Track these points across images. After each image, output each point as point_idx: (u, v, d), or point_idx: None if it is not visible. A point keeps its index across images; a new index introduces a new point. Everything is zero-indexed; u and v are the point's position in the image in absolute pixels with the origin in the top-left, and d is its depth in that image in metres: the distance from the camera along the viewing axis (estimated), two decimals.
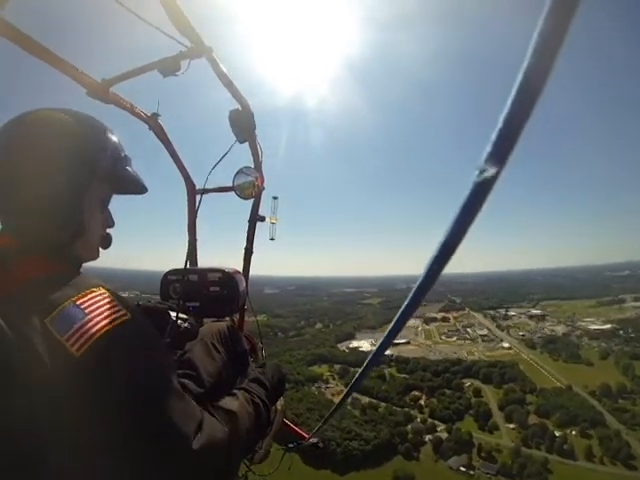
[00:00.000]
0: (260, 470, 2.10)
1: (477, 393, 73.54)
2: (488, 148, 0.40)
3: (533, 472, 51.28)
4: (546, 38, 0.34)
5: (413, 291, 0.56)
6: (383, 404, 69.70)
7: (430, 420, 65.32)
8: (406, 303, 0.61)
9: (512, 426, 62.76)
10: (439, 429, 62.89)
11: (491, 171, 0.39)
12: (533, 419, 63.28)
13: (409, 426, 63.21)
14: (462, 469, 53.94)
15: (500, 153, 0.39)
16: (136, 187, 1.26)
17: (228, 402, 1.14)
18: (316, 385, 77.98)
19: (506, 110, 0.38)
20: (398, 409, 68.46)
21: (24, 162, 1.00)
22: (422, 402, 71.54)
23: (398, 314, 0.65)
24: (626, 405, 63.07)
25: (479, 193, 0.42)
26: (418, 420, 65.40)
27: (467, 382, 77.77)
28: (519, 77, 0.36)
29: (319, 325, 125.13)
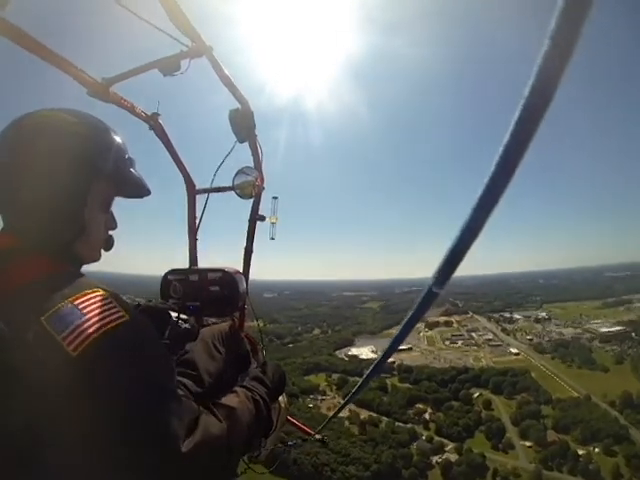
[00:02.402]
0: (260, 468, 2.06)
1: (487, 405, 65.35)
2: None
3: None
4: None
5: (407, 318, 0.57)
6: (385, 419, 61.53)
7: (437, 438, 57.04)
8: (403, 324, 0.60)
9: (529, 444, 54.55)
10: (447, 448, 54.53)
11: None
12: (551, 435, 55.28)
13: (414, 444, 55.08)
14: None
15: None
16: (139, 190, 1.23)
17: (228, 399, 1.14)
18: (311, 397, 69.77)
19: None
20: (401, 425, 60.23)
21: (26, 163, 0.98)
22: (427, 416, 63.26)
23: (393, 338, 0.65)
24: None
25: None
26: (424, 438, 57.15)
27: (476, 392, 69.67)
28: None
29: (317, 331, 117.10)
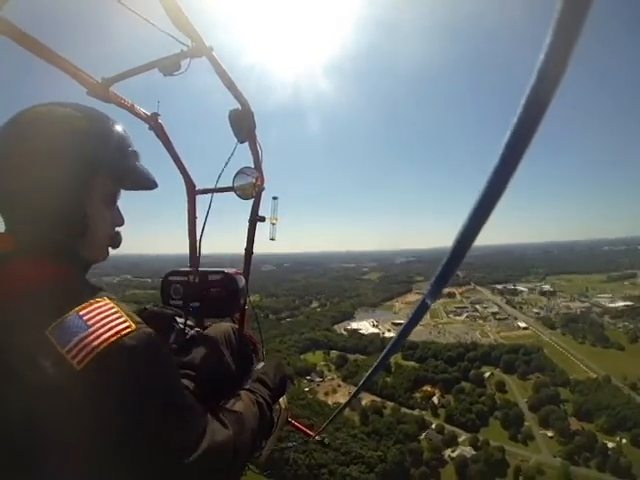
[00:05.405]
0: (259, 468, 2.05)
1: (501, 387, 58.15)
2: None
3: None
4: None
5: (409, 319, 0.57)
6: (389, 404, 54.31)
7: (448, 427, 49.78)
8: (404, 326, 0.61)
9: (550, 434, 47.54)
10: (460, 440, 47.36)
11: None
12: (574, 423, 48.21)
13: (422, 435, 47.86)
14: None
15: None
16: (144, 182, 1.16)
17: (233, 404, 1.14)
18: (308, 378, 62.35)
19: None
20: (407, 411, 53.02)
21: (21, 162, 0.92)
22: (436, 400, 56.07)
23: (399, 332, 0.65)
24: None
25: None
26: (433, 427, 49.93)
27: (487, 372, 62.45)
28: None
29: (315, 304, 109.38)
